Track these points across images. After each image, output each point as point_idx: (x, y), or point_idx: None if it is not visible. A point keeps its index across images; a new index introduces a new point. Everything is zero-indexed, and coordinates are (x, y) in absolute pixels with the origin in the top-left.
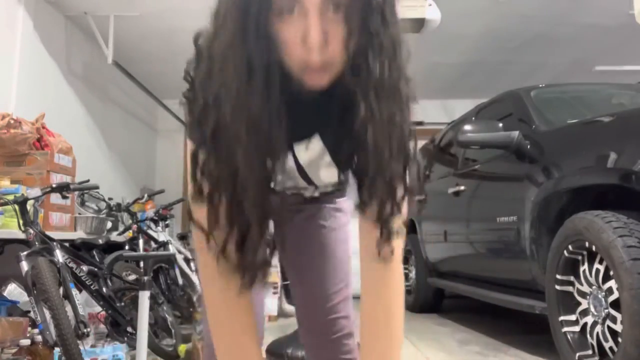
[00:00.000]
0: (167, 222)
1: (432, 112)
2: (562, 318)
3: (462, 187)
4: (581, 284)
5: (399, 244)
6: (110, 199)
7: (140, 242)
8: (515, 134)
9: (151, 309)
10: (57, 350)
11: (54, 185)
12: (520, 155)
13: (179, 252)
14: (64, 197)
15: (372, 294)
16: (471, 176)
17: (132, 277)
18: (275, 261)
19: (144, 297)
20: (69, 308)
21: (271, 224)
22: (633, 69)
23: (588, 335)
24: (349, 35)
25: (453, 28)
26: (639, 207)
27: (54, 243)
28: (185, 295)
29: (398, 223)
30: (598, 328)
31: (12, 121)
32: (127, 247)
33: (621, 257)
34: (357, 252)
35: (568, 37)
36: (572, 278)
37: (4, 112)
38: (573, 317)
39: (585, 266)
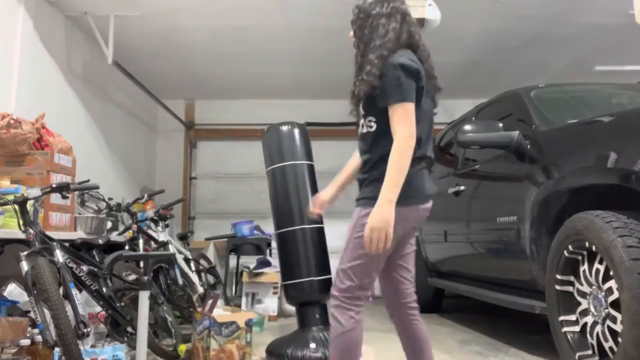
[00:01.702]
0: (167, 222)
1: None
2: (562, 318)
3: (462, 187)
4: (581, 284)
5: (393, 124)
6: (110, 199)
7: (140, 242)
8: (515, 134)
9: (151, 309)
10: (57, 350)
11: (54, 185)
12: (520, 155)
13: (179, 252)
14: (64, 197)
15: (393, 145)
16: (471, 176)
17: (132, 277)
18: (275, 262)
19: (144, 297)
20: (69, 308)
21: None
22: (633, 69)
23: (588, 335)
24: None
25: (453, 28)
26: (639, 207)
27: (54, 243)
28: (185, 295)
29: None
30: (598, 328)
31: (12, 121)
32: (127, 247)
33: (621, 257)
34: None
35: (568, 37)
36: (572, 278)
37: (4, 112)
38: (573, 317)
39: (585, 266)
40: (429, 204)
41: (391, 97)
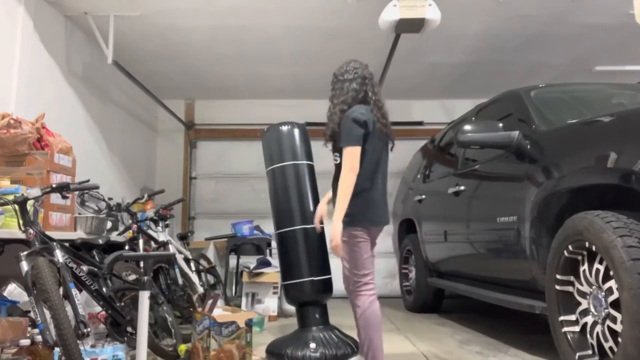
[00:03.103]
0: (167, 222)
1: (432, 112)
2: (562, 318)
3: (462, 187)
4: (581, 284)
5: (343, 161)
6: (110, 199)
7: (140, 242)
8: (515, 134)
9: (151, 309)
10: (57, 350)
11: (54, 185)
12: (520, 155)
13: (179, 252)
14: (64, 197)
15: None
16: (471, 176)
17: (132, 277)
18: (275, 262)
19: (144, 297)
20: (69, 308)
21: None
22: (633, 69)
23: (588, 335)
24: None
25: (453, 28)
26: (639, 207)
27: (54, 243)
28: (185, 295)
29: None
30: (598, 328)
31: (12, 121)
32: (127, 247)
33: (621, 257)
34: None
35: (568, 37)
36: (572, 278)
37: (4, 112)
38: (573, 317)
39: (585, 266)
40: (380, 226)
41: (343, 141)
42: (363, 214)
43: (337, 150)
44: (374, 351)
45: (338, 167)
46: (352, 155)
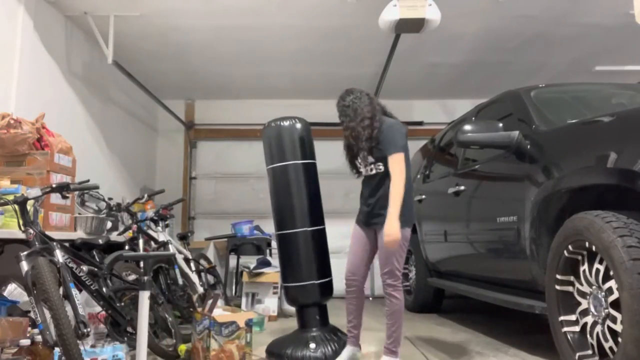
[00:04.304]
0: (167, 222)
1: (432, 112)
2: (562, 318)
3: (462, 187)
4: (581, 284)
5: (393, 166)
6: (110, 199)
7: (140, 242)
8: (515, 134)
9: (151, 309)
10: (57, 350)
11: (54, 185)
12: (520, 155)
13: (179, 252)
14: (64, 197)
15: (392, 180)
16: (471, 176)
17: (132, 277)
18: (275, 262)
19: (144, 297)
20: (69, 308)
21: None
22: (633, 69)
23: (588, 335)
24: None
25: (453, 28)
26: (639, 207)
27: (54, 243)
28: (185, 295)
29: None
30: (598, 328)
31: (12, 121)
32: (127, 247)
33: (621, 257)
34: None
35: (568, 37)
36: (572, 278)
37: (4, 112)
38: (573, 317)
39: (585, 266)
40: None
41: (394, 148)
42: (413, 214)
43: (380, 159)
44: (399, 335)
45: (378, 175)
46: (402, 160)
